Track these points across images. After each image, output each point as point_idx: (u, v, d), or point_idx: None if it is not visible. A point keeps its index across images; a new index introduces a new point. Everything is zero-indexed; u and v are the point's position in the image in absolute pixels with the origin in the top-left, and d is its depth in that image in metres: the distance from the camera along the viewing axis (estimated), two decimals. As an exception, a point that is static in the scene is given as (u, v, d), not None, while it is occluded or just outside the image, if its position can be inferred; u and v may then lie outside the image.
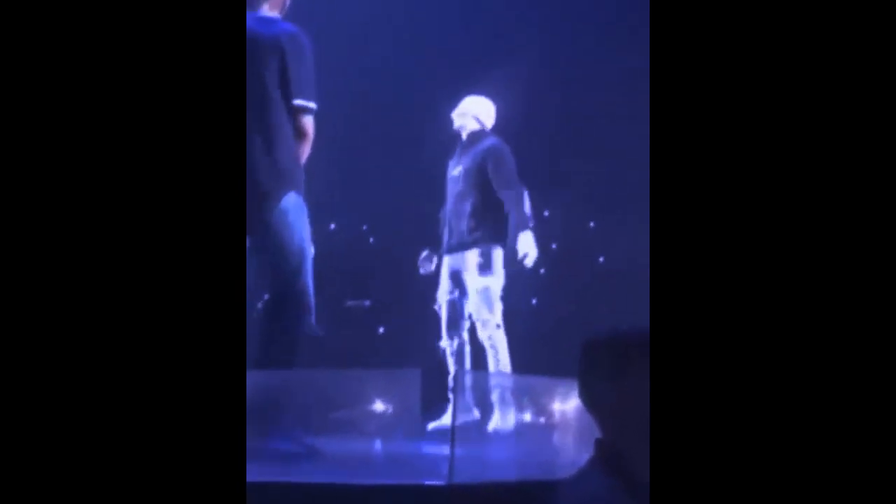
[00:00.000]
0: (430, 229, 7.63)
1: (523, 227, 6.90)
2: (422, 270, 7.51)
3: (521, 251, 6.85)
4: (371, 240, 10.46)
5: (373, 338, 9.89)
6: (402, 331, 9.50)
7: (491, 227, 7.06)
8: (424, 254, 7.53)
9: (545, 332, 8.63)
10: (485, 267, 6.99)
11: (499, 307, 6.99)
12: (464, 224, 7.11)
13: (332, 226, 9.92)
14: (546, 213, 9.23)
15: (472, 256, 7.01)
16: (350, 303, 10.02)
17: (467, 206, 7.13)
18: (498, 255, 7.02)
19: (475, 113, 7.48)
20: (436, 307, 7.32)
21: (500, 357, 6.89)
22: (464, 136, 7.44)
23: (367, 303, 10.17)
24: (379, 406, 5.18)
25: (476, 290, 6.99)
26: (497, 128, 7.58)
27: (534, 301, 9.75)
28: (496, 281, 7.01)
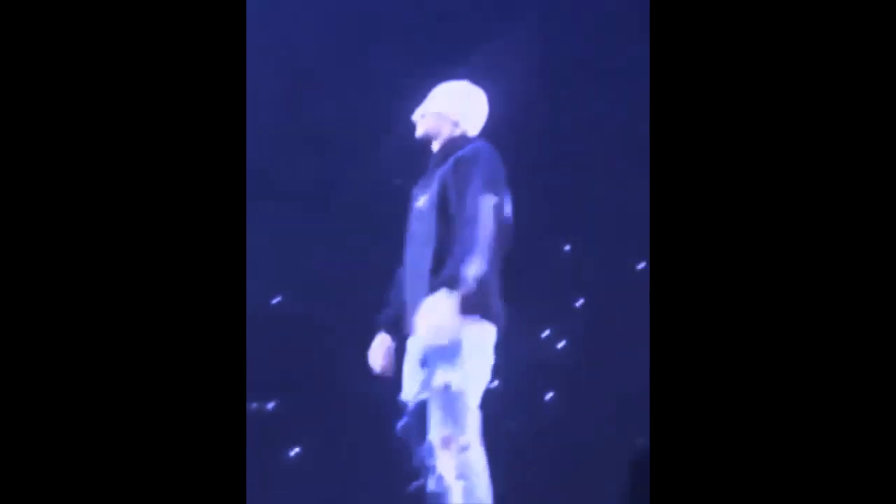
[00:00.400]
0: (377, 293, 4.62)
1: (445, 281, 4.07)
2: (376, 369, 4.60)
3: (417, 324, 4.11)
4: (275, 299, 7.15)
5: (281, 465, 6.81)
6: (332, 457, 6.72)
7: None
8: (381, 340, 4.60)
9: (569, 438, 6.83)
10: (448, 355, 4.16)
11: (471, 418, 4.15)
12: (425, 285, 4.24)
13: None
14: (567, 248, 7.03)
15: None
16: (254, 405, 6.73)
17: (429, 258, 4.30)
18: (471, 335, 4.18)
19: (450, 111, 4.65)
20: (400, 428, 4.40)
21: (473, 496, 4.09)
22: (435, 147, 4.64)
23: (270, 405, 6.88)
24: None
25: (437, 393, 4.17)
26: (489, 131, 4.70)
27: (549, 395, 7.22)
28: (468, 377, 4.17)
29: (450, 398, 4.12)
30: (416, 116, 4.67)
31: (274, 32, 6.21)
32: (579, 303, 7.30)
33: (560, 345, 7.30)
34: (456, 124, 4.62)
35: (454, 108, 4.64)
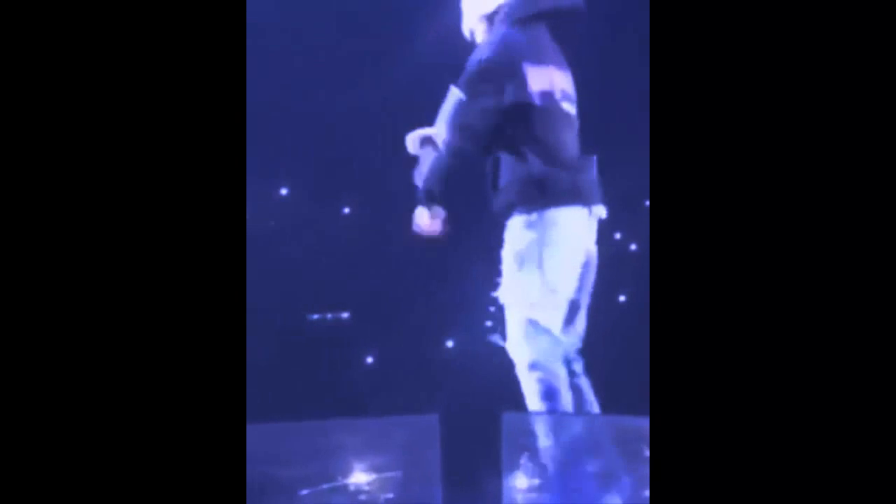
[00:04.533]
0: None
1: None
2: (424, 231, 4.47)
3: None
4: (346, 209, 7.17)
5: (356, 371, 6.96)
6: (403, 359, 6.86)
7: None
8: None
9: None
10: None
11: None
12: None
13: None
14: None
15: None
16: (315, 317, 6.96)
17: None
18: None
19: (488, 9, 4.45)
20: None
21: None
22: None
23: (345, 315, 7.05)
24: (381, 468, 3.74)
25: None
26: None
27: (622, 298, 7.26)
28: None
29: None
30: (464, 26, 4.51)
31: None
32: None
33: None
34: (487, 18, 4.43)
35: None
